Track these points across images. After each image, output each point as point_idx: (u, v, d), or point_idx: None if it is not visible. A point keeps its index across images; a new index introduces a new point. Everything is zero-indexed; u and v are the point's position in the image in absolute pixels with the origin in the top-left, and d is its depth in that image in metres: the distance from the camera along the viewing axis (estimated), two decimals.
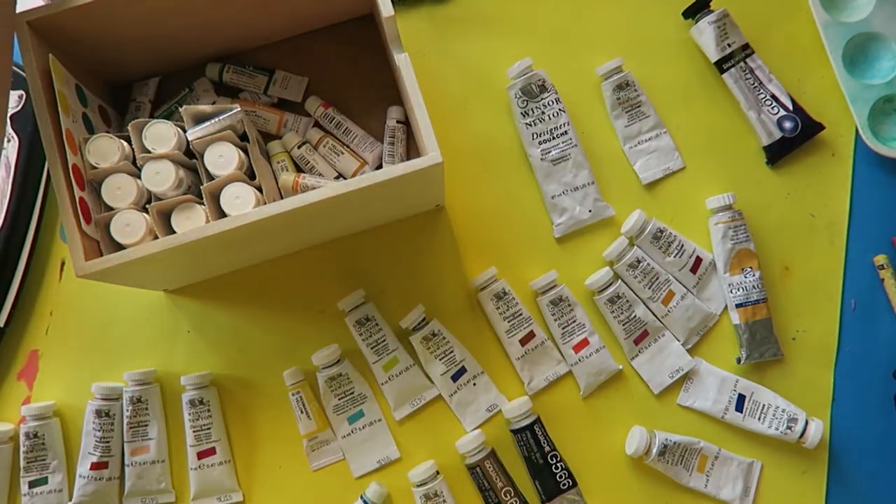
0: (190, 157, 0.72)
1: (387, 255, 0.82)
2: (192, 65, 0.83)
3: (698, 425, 0.79)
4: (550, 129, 0.82)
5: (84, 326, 0.81)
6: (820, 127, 0.83)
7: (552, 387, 0.80)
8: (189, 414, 0.78)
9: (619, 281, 0.80)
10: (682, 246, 0.81)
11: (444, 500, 0.75)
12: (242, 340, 0.81)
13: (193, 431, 0.78)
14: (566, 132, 0.82)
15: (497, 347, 0.81)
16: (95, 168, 0.68)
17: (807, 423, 0.77)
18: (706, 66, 0.85)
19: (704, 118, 0.85)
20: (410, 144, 0.83)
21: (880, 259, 0.81)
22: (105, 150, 0.68)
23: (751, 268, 0.79)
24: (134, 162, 0.70)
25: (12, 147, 0.81)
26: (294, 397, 0.78)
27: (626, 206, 0.82)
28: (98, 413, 0.77)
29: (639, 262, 0.79)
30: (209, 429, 0.78)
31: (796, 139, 0.83)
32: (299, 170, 0.82)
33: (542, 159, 0.82)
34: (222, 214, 0.67)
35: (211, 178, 0.70)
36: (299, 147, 0.81)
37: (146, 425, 0.78)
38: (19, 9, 0.66)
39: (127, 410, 0.77)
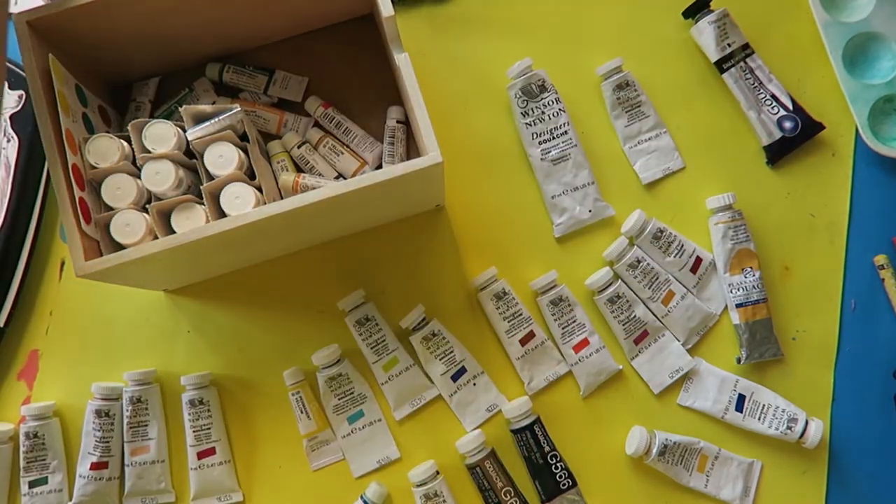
0: (190, 157, 0.72)
1: (387, 255, 0.82)
2: (192, 65, 0.83)
3: (698, 425, 0.79)
4: (550, 129, 0.82)
5: (84, 326, 0.81)
6: (820, 127, 0.83)
7: (552, 387, 0.80)
8: (189, 414, 0.78)
9: (619, 281, 0.80)
10: (682, 246, 0.81)
11: (444, 500, 0.75)
12: (242, 340, 0.81)
13: (193, 431, 0.78)
14: (566, 132, 0.82)
15: (497, 347, 0.81)
16: (95, 168, 0.68)
17: (807, 423, 0.77)
18: (706, 66, 0.85)
19: (704, 118, 0.85)
20: (410, 144, 0.83)
21: (880, 259, 0.81)
22: (105, 150, 0.68)
23: (751, 268, 0.79)
24: (134, 162, 0.70)
25: (12, 147, 0.81)
26: (294, 397, 0.78)
27: (626, 206, 0.82)
28: (98, 413, 0.77)
29: (639, 262, 0.79)
30: (209, 429, 0.78)
31: (796, 139, 0.83)
32: (299, 170, 0.82)
33: (542, 159, 0.82)
34: (222, 214, 0.67)
35: (211, 178, 0.70)
36: (299, 147, 0.81)
37: (146, 425, 0.78)
38: (19, 9, 0.66)
39: (127, 410, 0.77)
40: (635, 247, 0.80)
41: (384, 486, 0.77)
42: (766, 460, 0.79)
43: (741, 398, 0.78)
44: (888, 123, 0.84)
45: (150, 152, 0.69)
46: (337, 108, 0.83)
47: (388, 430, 0.79)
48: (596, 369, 0.79)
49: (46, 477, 0.77)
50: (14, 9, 0.85)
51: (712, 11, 0.83)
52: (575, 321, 0.79)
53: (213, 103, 0.82)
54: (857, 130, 0.83)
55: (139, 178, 0.69)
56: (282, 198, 0.77)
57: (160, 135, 0.69)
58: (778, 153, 0.83)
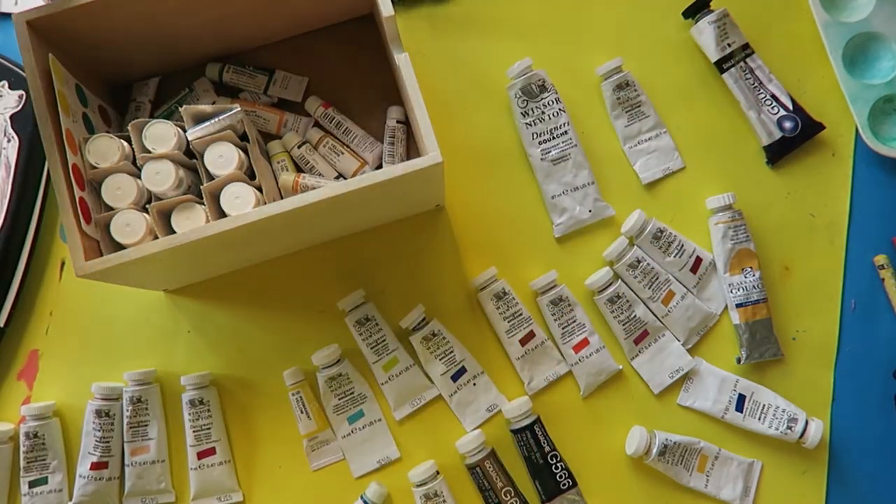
0: (190, 157, 0.72)
1: (387, 255, 0.82)
2: (192, 65, 0.83)
3: (698, 425, 0.79)
4: (550, 129, 0.82)
5: (84, 326, 0.81)
6: (820, 127, 0.83)
7: (552, 387, 0.80)
8: (189, 414, 0.78)
9: (619, 281, 0.80)
10: (682, 246, 0.81)
11: (444, 500, 0.75)
12: (242, 340, 0.81)
13: (193, 431, 0.78)
14: (566, 132, 0.82)
15: (497, 347, 0.81)
16: (95, 168, 0.68)
17: (807, 423, 0.77)
18: (706, 66, 0.85)
19: (704, 118, 0.85)
20: (410, 144, 0.83)
21: (880, 259, 0.81)
22: (105, 150, 0.68)
23: (751, 268, 0.79)
24: (134, 162, 0.70)
25: (12, 147, 0.81)
26: (294, 397, 0.78)
27: (626, 206, 0.82)
28: (98, 413, 0.77)
29: (639, 262, 0.79)
30: (209, 429, 0.78)
31: (796, 139, 0.83)
32: (299, 170, 0.82)
33: (542, 159, 0.82)
34: (222, 214, 0.67)
35: (211, 178, 0.70)
36: (299, 147, 0.81)
37: (146, 425, 0.78)
38: (19, 9, 0.66)
39: (127, 410, 0.77)
40: (635, 247, 0.80)
41: (384, 486, 0.77)
42: (766, 460, 0.79)
43: (741, 398, 0.78)
44: (888, 123, 0.84)
45: (150, 152, 0.69)
46: (337, 108, 0.83)
47: (388, 430, 0.79)
48: (596, 369, 0.79)
49: (46, 477, 0.77)
50: (14, 9, 0.85)
51: (712, 11, 0.83)
52: (575, 321, 0.79)
53: (213, 103, 0.82)
54: (857, 130, 0.83)
55: (139, 178, 0.69)
56: (282, 198, 0.77)
57: (160, 135, 0.69)
58: (778, 153, 0.83)
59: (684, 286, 0.81)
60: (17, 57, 0.83)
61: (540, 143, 0.82)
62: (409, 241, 0.82)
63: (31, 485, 0.77)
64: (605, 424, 0.79)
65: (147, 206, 0.68)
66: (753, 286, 0.79)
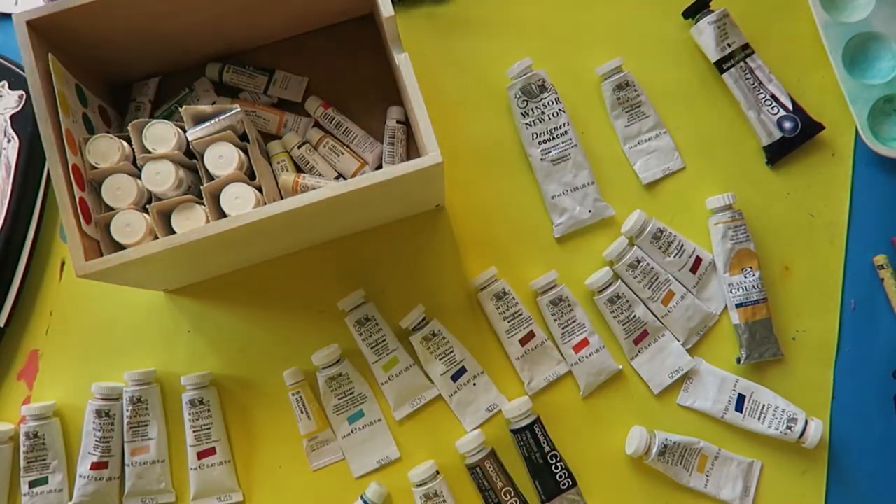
0: (190, 157, 0.72)
1: (387, 255, 0.82)
2: (192, 65, 0.83)
3: (698, 425, 0.79)
4: (550, 129, 0.82)
5: (84, 326, 0.81)
6: (820, 127, 0.83)
7: (552, 387, 0.80)
8: (189, 414, 0.78)
9: (619, 281, 0.80)
10: (682, 246, 0.81)
11: (444, 500, 0.75)
12: (242, 340, 0.81)
13: (193, 431, 0.78)
14: (566, 132, 0.82)
15: (497, 347, 0.81)
16: (95, 168, 0.68)
17: (807, 423, 0.77)
18: (706, 66, 0.85)
19: (704, 118, 0.85)
20: (410, 144, 0.83)
21: (880, 259, 0.81)
22: (105, 150, 0.68)
23: (751, 268, 0.79)
24: (134, 162, 0.70)
25: (12, 147, 0.81)
26: (294, 397, 0.78)
27: (626, 206, 0.82)
28: (98, 413, 0.77)
29: (639, 262, 0.79)
30: (209, 429, 0.78)
31: (796, 139, 0.83)
32: (299, 170, 0.82)
33: (542, 159, 0.82)
34: (222, 214, 0.67)
35: (211, 178, 0.70)
36: (299, 147, 0.81)
37: (146, 425, 0.78)
38: (19, 9, 0.66)
39: (127, 410, 0.77)
40: (635, 247, 0.80)
41: (384, 486, 0.77)
42: (766, 460, 0.79)
43: (741, 398, 0.78)
44: (888, 123, 0.84)
45: (150, 152, 0.69)
46: (337, 108, 0.83)
47: (388, 430, 0.79)
48: (596, 369, 0.79)
49: (46, 477, 0.77)
50: (14, 9, 0.85)
51: (712, 11, 0.83)
52: (575, 321, 0.79)
53: (213, 103, 0.82)
54: (856, 130, 0.83)
55: (139, 178, 0.69)
56: (282, 198, 0.77)
57: (160, 135, 0.69)
58: (778, 153, 0.83)
59: (684, 286, 0.81)
60: (17, 57, 0.83)
61: (540, 143, 0.82)
62: (409, 241, 0.82)
63: (32, 485, 0.77)
64: (605, 424, 0.79)
65: (147, 206, 0.68)
66: (753, 286, 0.79)
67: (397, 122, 0.82)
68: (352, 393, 0.79)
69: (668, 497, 0.78)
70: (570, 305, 0.79)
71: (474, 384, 0.79)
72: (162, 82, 0.83)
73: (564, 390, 0.80)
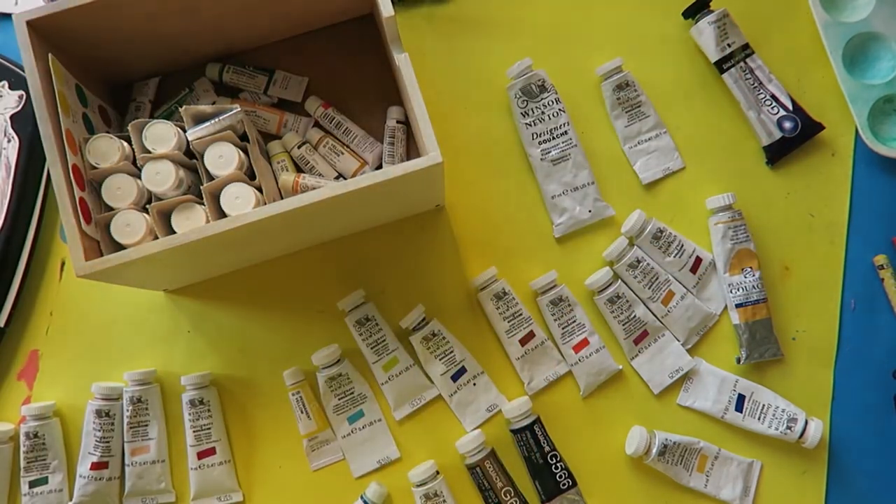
0: (190, 157, 0.72)
1: (387, 255, 0.82)
2: (192, 65, 0.83)
3: (698, 425, 0.79)
4: (550, 129, 0.82)
5: (84, 326, 0.81)
6: (820, 127, 0.83)
7: (552, 387, 0.80)
8: (189, 414, 0.78)
9: (619, 281, 0.80)
10: (682, 246, 0.81)
11: (444, 500, 0.75)
12: (242, 340, 0.81)
13: (193, 431, 0.78)
14: (566, 132, 0.82)
15: (497, 347, 0.81)
16: (95, 168, 0.68)
17: (806, 423, 0.77)
18: (706, 66, 0.85)
19: (704, 118, 0.85)
20: (410, 144, 0.83)
21: (880, 259, 0.81)
22: (105, 150, 0.68)
23: (751, 268, 0.79)
24: (134, 162, 0.70)
25: (12, 147, 0.81)
26: (294, 397, 0.78)
27: (626, 206, 0.82)
28: (98, 413, 0.77)
29: (639, 262, 0.79)
30: (209, 429, 0.78)
31: (796, 139, 0.83)
32: (299, 170, 0.82)
33: (542, 159, 0.82)
34: (222, 214, 0.67)
35: (211, 178, 0.70)
36: (299, 147, 0.81)
37: (146, 425, 0.78)
38: (19, 9, 0.66)
39: (127, 410, 0.77)
40: (635, 247, 0.80)
41: (384, 486, 0.77)
42: (766, 460, 0.79)
43: (741, 398, 0.78)
44: (888, 123, 0.84)
45: (150, 152, 0.69)
46: (337, 108, 0.83)
47: (388, 430, 0.79)
48: (596, 369, 0.79)
49: (46, 477, 0.77)
50: (14, 9, 0.85)
51: (712, 11, 0.83)
52: (575, 321, 0.79)
53: (213, 103, 0.82)
54: (856, 130, 0.83)
55: (139, 178, 0.69)
56: (282, 198, 0.77)
57: (160, 135, 0.69)
58: (778, 153, 0.83)
59: (684, 286, 0.81)
60: (17, 57, 0.83)
61: (540, 143, 0.82)
62: (409, 241, 0.82)
63: (32, 485, 0.77)
64: (605, 424, 0.79)
65: (147, 206, 0.68)
66: (753, 286, 0.79)
67: (397, 122, 0.82)
68: (352, 393, 0.79)
69: (668, 497, 0.78)
70: (570, 305, 0.79)
71: (474, 384, 0.79)
72: (162, 82, 0.83)
73: (564, 390, 0.80)
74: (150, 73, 0.83)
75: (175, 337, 0.81)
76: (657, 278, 0.80)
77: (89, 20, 0.68)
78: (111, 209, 0.68)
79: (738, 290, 0.79)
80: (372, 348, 0.79)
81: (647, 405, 0.80)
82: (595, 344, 0.79)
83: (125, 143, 0.70)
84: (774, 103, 0.83)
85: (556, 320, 0.79)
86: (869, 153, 0.83)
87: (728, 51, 0.83)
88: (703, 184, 0.83)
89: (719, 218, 0.80)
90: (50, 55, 0.67)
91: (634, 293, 0.80)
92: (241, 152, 0.70)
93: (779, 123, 0.82)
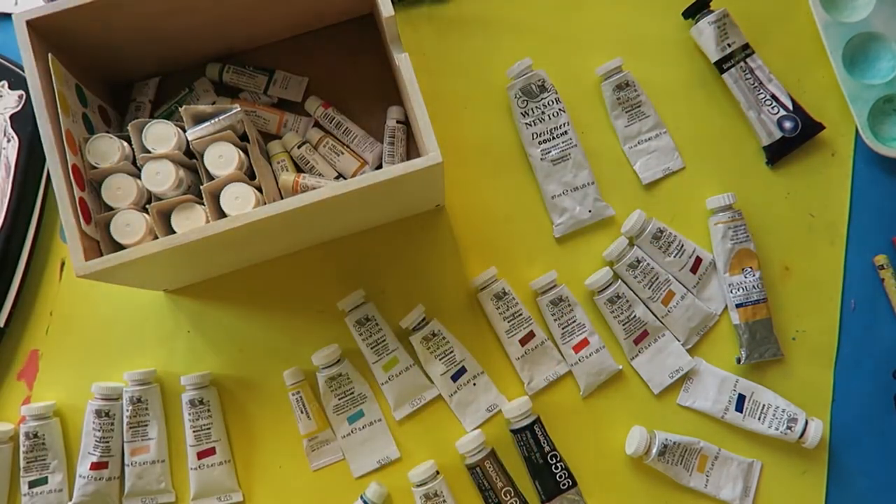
0: (190, 157, 0.72)
1: (387, 255, 0.82)
2: (192, 65, 0.83)
3: (698, 425, 0.79)
4: (550, 129, 0.82)
5: (84, 326, 0.81)
6: (820, 127, 0.83)
7: (552, 387, 0.80)
8: (189, 414, 0.78)
9: (619, 281, 0.80)
10: (682, 246, 0.81)
11: (444, 500, 0.75)
12: (242, 340, 0.81)
13: (193, 431, 0.78)
14: (566, 132, 0.82)
15: (497, 347, 0.81)
16: (95, 168, 0.68)
17: (807, 423, 0.77)
18: (706, 66, 0.85)
19: (704, 118, 0.85)
20: (410, 144, 0.83)
21: (880, 259, 0.81)
22: (105, 150, 0.68)
23: (751, 268, 0.79)
24: (134, 162, 0.70)
25: (12, 147, 0.81)
26: (294, 397, 0.78)
27: (626, 206, 0.82)
28: (98, 413, 0.77)
29: (639, 262, 0.79)
30: (209, 429, 0.78)
31: (796, 139, 0.83)
32: (299, 170, 0.82)
33: (542, 159, 0.82)
34: (222, 214, 0.67)
35: (211, 178, 0.70)
36: (299, 147, 0.81)
37: (146, 425, 0.78)
38: (19, 9, 0.66)
39: (127, 410, 0.77)
40: (635, 247, 0.80)
41: (384, 486, 0.77)
42: (766, 460, 0.79)
43: (741, 398, 0.78)
44: (888, 123, 0.84)
45: (150, 152, 0.69)
46: (337, 108, 0.83)
47: (388, 430, 0.79)
48: (596, 369, 0.79)
49: (46, 477, 0.77)
50: (14, 9, 0.85)
51: (712, 11, 0.83)
52: (575, 321, 0.79)
53: (213, 103, 0.82)
54: (856, 130, 0.83)
55: (139, 178, 0.69)
56: (282, 198, 0.77)
57: (160, 135, 0.69)
58: (778, 153, 0.83)
59: (684, 286, 0.81)
60: (17, 57, 0.83)
61: (540, 143, 0.82)
62: (409, 241, 0.82)
63: (31, 485, 0.77)
64: (605, 424, 0.79)
65: (147, 206, 0.68)
66: (753, 286, 0.79)
67: (397, 122, 0.82)
68: (352, 393, 0.79)
69: (668, 497, 0.78)
70: (570, 305, 0.79)
71: (474, 384, 0.79)
72: (162, 82, 0.83)
73: (564, 390, 0.80)
74: (150, 73, 0.83)
75: (175, 337, 0.81)
76: (657, 278, 0.80)
77: (89, 20, 0.68)
78: (111, 209, 0.68)
79: (738, 290, 0.79)
80: (372, 348, 0.79)
81: (647, 405, 0.80)
82: (595, 344, 0.79)
83: (125, 143, 0.70)
84: (774, 103, 0.83)
85: (556, 320, 0.79)
86: (869, 153, 0.83)
87: (728, 51, 0.83)
88: (703, 184, 0.83)
89: (719, 218, 0.80)
90: (50, 55, 0.67)
91: (634, 293, 0.80)
92: (241, 152, 0.70)
93: (779, 123, 0.82)
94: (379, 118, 0.83)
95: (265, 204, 0.67)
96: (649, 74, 0.85)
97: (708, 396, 0.79)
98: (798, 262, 0.82)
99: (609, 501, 0.78)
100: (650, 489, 0.78)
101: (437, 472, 0.76)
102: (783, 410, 0.77)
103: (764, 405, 0.78)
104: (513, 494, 0.76)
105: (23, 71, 0.82)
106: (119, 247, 0.67)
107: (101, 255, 0.65)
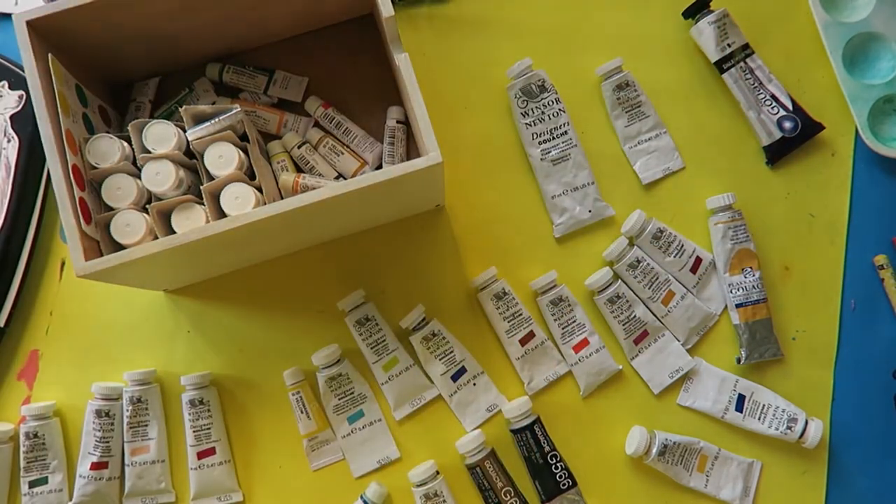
0: (190, 157, 0.72)
1: (387, 255, 0.82)
2: (192, 65, 0.83)
3: (698, 425, 0.79)
4: (550, 129, 0.82)
5: (84, 326, 0.81)
6: (820, 127, 0.83)
7: (552, 387, 0.80)
8: (189, 414, 0.78)
9: (619, 281, 0.80)
10: (682, 246, 0.81)
11: (444, 500, 0.75)
12: (242, 340, 0.81)
13: (193, 431, 0.78)
14: (566, 132, 0.82)
15: (497, 347, 0.81)
16: (95, 168, 0.68)
17: (807, 423, 0.77)
18: (706, 66, 0.85)
19: (704, 118, 0.85)
20: (410, 144, 0.83)
21: (880, 259, 0.81)
22: (105, 150, 0.68)
23: (751, 268, 0.79)
24: (134, 162, 0.70)
25: (12, 147, 0.81)
26: (294, 397, 0.78)
27: (626, 206, 0.82)
28: (98, 413, 0.77)
29: (639, 262, 0.79)
30: (209, 429, 0.78)
31: (796, 139, 0.83)
32: (299, 170, 0.82)
33: (542, 159, 0.82)
34: (222, 214, 0.67)
35: (211, 178, 0.70)
36: (299, 147, 0.81)
37: (146, 425, 0.78)
38: (19, 9, 0.66)
39: (127, 410, 0.77)
40: (635, 247, 0.80)
41: (384, 486, 0.77)
42: (766, 460, 0.79)
43: (741, 398, 0.78)
44: (888, 123, 0.84)
45: (150, 152, 0.69)
46: (337, 108, 0.83)
47: (388, 430, 0.79)
48: (596, 369, 0.79)
49: (46, 477, 0.77)
50: (14, 9, 0.85)
51: (712, 11, 0.83)
52: (575, 321, 0.79)
53: (213, 103, 0.82)
54: (856, 130, 0.83)
55: (139, 178, 0.69)
56: (282, 198, 0.77)
57: (160, 135, 0.69)
58: (778, 153, 0.83)
59: (684, 286, 0.81)
60: (17, 57, 0.83)
61: (540, 143, 0.82)
62: (409, 241, 0.82)
63: (31, 485, 0.77)
64: (605, 424, 0.79)
65: (147, 206, 0.68)
66: (753, 286, 0.79)
67: (397, 122, 0.82)
68: (352, 393, 0.79)
69: (668, 497, 0.78)
70: (570, 305, 0.79)
71: (474, 384, 0.79)
72: (162, 82, 0.83)
73: (564, 390, 0.80)
74: (150, 73, 0.83)
75: (175, 337, 0.81)
76: (657, 278, 0.80)
77: (89, 20, 0.68)
78: (111, 209, 0.68)
79: (738, 290, 0.79)
80: (372, 348, 0.79)
81: (647, 405, 0.80)
82: (595, 344, 0.79)
83: (125, 143, 0.70)
84: (774, 103, 0.83)
85: (556, 320, 0.79)
86: (869, 153, 0.83)
87: (728, 51, 0.83)
88: (703, 184, 0.83)
89: (719, 218, 0.80)
90: (50, 55, 0.67)
91: (634, 293, 0.80)
92: (241, 152, 0.70)
93: (779, 123, 0.82)
94: (379, 118, 0.83)
95: (265, 204, 0.67)
96: (649, 74, 0.85)
97: (708, 396, 0.79)
98: (798, 262, 0.82)
99: (609, 501, 0.78)
100: (650, 489, 0.78)
101: (437, 472, 0.76)
102: (783, 410, 0.77)
103: (764, 405, 0.78)
104: (513, 494, 0.76)
105: (23, 71, 0.82)
106: (119, 247, 0.67)
107: (101, 255, 0.66)
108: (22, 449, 0.77)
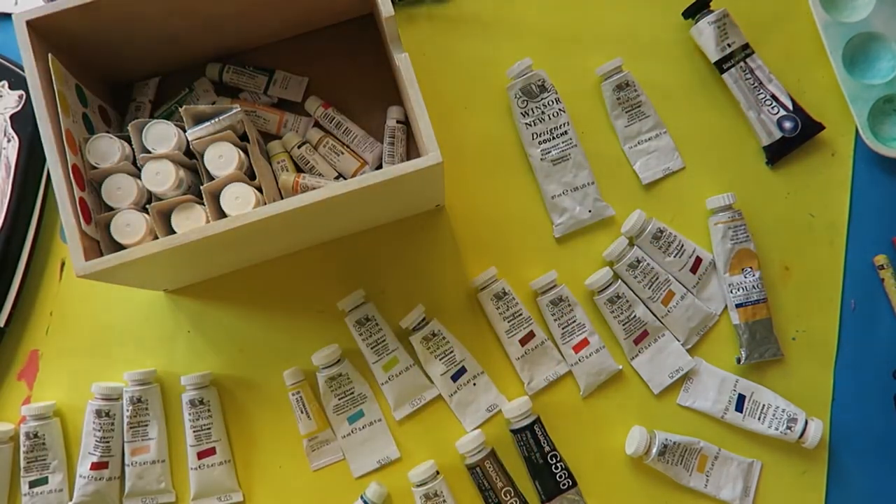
0: (190, 157, 0.72)
1: (387, 255, 0.82)
2: (192, 65, 0.83)
3: (698, 425, 0.79)
4: (550, 129, 0.82)
5: (84, 326, 0.81)
6: (820, 127, 0.83)
7: (552, 387, 0.80)
8: (189, 414, 0.78)
9: (619, 281, 0.80)
10: (682, 246, 0.81)
11: (444, 500, 0.75)
12: (242, 340, 0.81)
13: (193, 431, 0.78)
14: (566, 132, 0.82)
15: (497, 347, 0.81)
16: (95, 168, 0.68)
17: (807, 423, 0.77)
18: (706, 66, 0.85)
19: (704, 118, 0.85)
20: (410, 144, 0.83)
21: (880, 259, 0.81)
22: (105, 150, 0.68)
23: (751, 268, 0.80)
24: (134, 162, 0.70)
25: (12, 147, 0.81)
26: (294, 397, 0.78)
27: (626, 206, 0.82)
28: (98, 413, 0.77)
29: (639, 262, 0.79)
30: (209, 429, 0.78)
31: (796, 139, 0.83)
32: (299, 170, 0.82)
33: (542, 159, 0.82)
34: (222, 214, 0.67)
35: (211, 178, 0.70)
36: (299, 147, 0.81)
37: (146, 425, 0.78)
38: (19, 9, 0.66)
39: (127, 410, 0.77)
40: (635, 247, 0.80)
41: (384, 486, 0.77)
42: (766, 460, 0.79)
43: (741, 398, 0.78)
44: (888, 123, 0.84)
45: (150, 152, 0.69)
46: (337, 108, 0.83)
47: (388, 430, 0.79)
48: (596, 369, 0.79)
49: (47, 477, 0.77)
50: (14, 9, 0.85)
51: (712, 11, 0.83)
52: (575, 321, 0.79)
53: (213, 103, 0.82)
54: (856, 130, 0.83)
55: (139, 178, 0.69)
56: (282, 198, 0.77)
57: (160, 135, 0.69)
58: (778, 153, 0.83)
59: (684, 286, 0.81)
60: (17, 57, 0.83)
61: (540, 143, 0.82)
62: (409, 241, 0.82)
63: (32, 485, 0.77)
64: (605, 424, 0.79)
65: (147, 206, 0.68)
66: (753, 286, 0.79)
67: (397, 122, 0.82)
68: (352, 393, 0.79)
69: (668, 497, 0.78)
70: (570, 305, 0.79)
71: (474, 384, 0.79)
72: (162, 82, 0.83)
73: (564, 390, 0.80)
74: (150, 73, 0.83)
75: (175, 337, 0.81)
76: (657, 278, 0.80)
77: (89, 20, 0.68)
78: (111, 209, 0.68)
79: (738, 290, 0.79)
80: (372, 348, 0.79)
81: (647, 405, 0.80)
82: (595, 344, 0.79)
83: (125, 143, 0.70)
84: (774, 103, 0.83)
85: (556, 320, 0.79)
86: (869, 153, 0.83)
87: (728, 51, 0.83)
88: (703, 184, 0.83)
89: (719, 218, 0.80)
90: (50, 55, 0.67)
91: (634, 293, 0.80)
92: (241, 152, 0.70)
93: (779, 123, 0.82)
94: (379, 118, 0.83)
95: (265, 204, 0.67)
96: (649, 74, 0.85)
97: (708, 396, 0.79)
98: (798, 262, 0.82)
99: (609, 501, 0.78)
100: (650, 489, 0.78)
101: (437, 472, 0.76)
102: (783, 410, 0.77)
103: (764, 405, 0.78)
104: (513, 494, 0.76)
105: (23, 71, 0.82)
106: (119, 247, 0.67)
107: (101, 255, 0.66)
108: (22, 449, 0.77)
